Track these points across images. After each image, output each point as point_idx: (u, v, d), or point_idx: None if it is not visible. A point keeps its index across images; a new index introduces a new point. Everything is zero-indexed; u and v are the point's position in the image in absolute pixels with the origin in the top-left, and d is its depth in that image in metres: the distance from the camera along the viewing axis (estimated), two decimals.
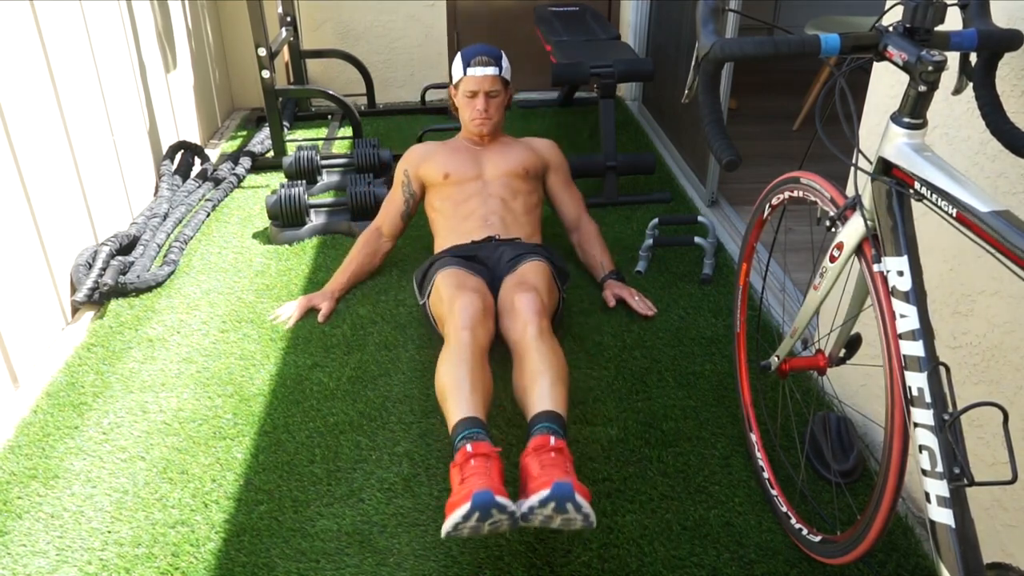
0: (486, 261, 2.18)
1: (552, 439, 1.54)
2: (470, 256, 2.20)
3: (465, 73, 2.32)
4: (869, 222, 1.26)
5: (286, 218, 2.78)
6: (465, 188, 2.35)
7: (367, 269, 2.51)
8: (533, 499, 1.41)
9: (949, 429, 1.04)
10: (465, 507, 1.37)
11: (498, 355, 2.15)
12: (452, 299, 1.93)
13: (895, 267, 1.16)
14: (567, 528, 1.45)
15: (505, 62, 2.36)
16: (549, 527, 1.44)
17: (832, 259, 1.36)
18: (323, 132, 3.86)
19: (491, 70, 2.31)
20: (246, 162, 3.32)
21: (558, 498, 1.39)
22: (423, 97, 4.16)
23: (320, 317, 2.32)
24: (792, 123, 3.90)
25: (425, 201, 2.47)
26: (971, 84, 1.26)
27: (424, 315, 2.28)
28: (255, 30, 3.04)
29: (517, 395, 1.77)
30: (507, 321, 1.95)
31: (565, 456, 1.52)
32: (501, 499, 1.39)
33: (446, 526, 1.40)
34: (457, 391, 1.68)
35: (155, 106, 3.12)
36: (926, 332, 1.11)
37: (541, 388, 1.69)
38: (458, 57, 2.36)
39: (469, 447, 1.51)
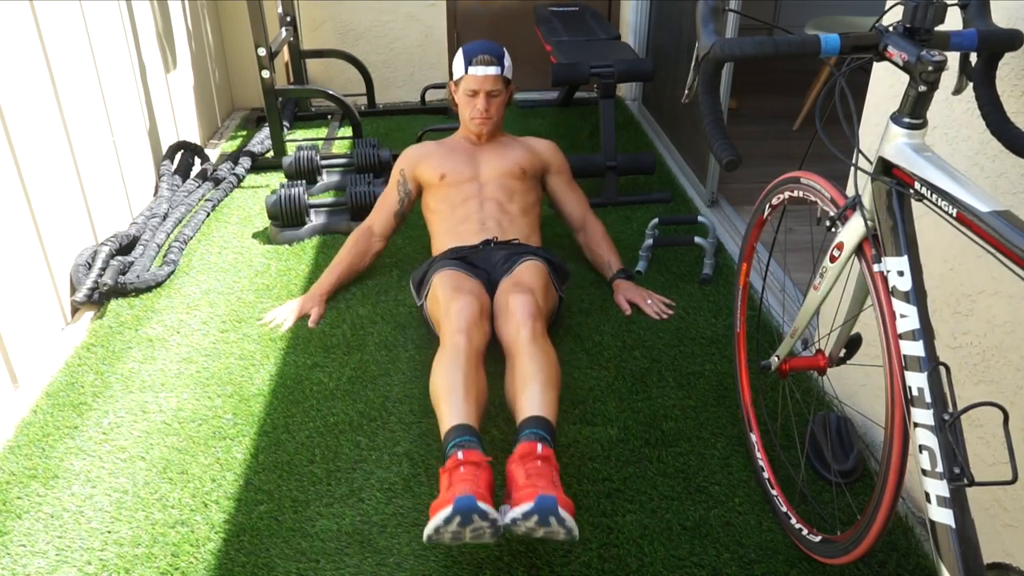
0: (483, 264, 2.19)
1: (539, 447, 1.54)
2: (468, 258, 2.20)
3: (466, 71, 2.29)
4: (869, 222, 1.26)
5: (286, 218, 2.78)
6: (461, 190, 2.34)
7: (356, 269, 2.48)
8: (516, 511, 1.41)
9: (949, 429, 1.04)
10: (447, 511, 1.38)
11: (496, 355, 2.15)
12: (448, 301, 1.93)
13: (895, 267, 1.16)
14: (550, 539, 1.46)
15: (507, 60, 2.34)
16: (532, 537, 1.45)
17: (832, 259, 1.36)
18: (323, 132, 3.86)
19: (493, 70, 2.28)
20: (246, 162, 3.32)
21: (541, 511, 1.39)
22: (423, 97, 4.16)
23: (310, 323, 2.31)
24: (792, 123, 3.90)
25: (422, 202, 2.46)
26: (971, 84, 1.26)
27: (422, 317, 2.28)
28: (255, 30, 3.04)
29: (508, 398, 1.77)
30: (501, 322, 1.95)
31: (551, 465, 1.52)
32: (484, 505, 1.39)
33: (428, 529, 1.40)
34: (451, 396, 1.68)
35: (155, 106, 3.12)
36: (926, 332, 1.11)
37: (531, 393, 1.69)
38: (459, 54, 2.33)
39: (460, 455, 1.52)
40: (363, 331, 2.28)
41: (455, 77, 2.35)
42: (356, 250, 2.45)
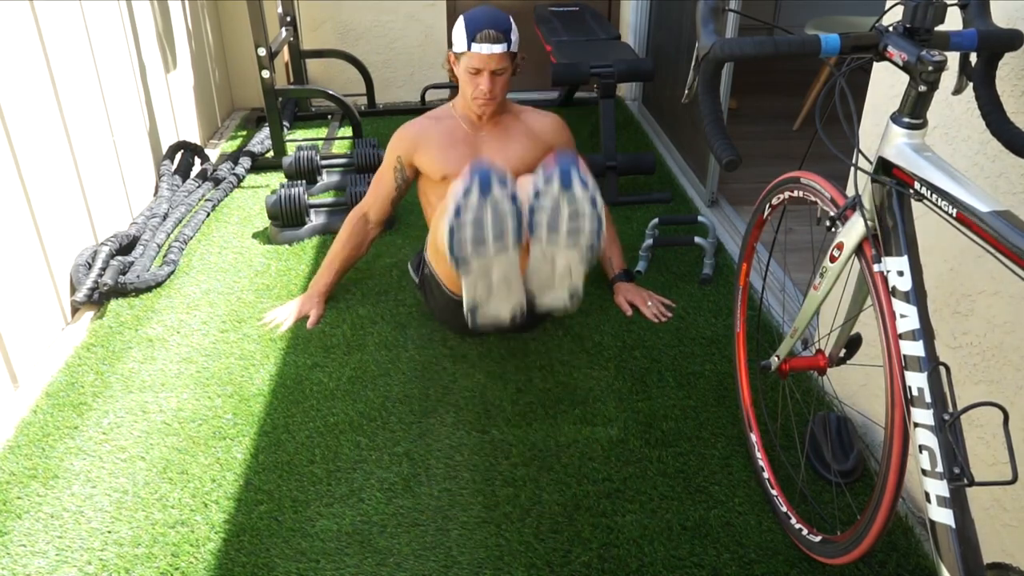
0: None
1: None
2: None
3: (469, 48, 2.05)
4: (869, 222, 1.26)
5: (286, 218, 2.78)
6: None
7: (354, 261, 2.40)
8: (538, 178, 1.38)
9: (949, 429, 1.04)
10: (464, 179, 1.34)
11: (498, 355, 2.15)
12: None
13: (895, 267, 1.16)
14: (576, 229, 1.41)
15: (515, 33, 2.08)
16: (558, 231, 1.37)
17: (832, 259, 1.36)
18: (323, 132, 3.86)
19: (499, 48, 2.04)
20: (246, 162, 3.32)
21: (563, 171, 1.36)
22: (423, 97, 4.16)
23: (309, 324, 2.29)
24: (792, 123, 3.90)
25: (418, 187, 2.35)
26: (971, 84, 1.26)
27: (421, 290, 2.24)
28: (255, 30, 3.04)
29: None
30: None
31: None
32: (501, 174, 1.36)
33: (448, 213, 1.36)
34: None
35: (155, 106, 3.12)
36: (926, 332, 1.11)
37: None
38: (461, 24, 2.07)
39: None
40: (363, 331, 2.28)
41: (455, 49, 2.11)
42: (353, 242, 2.35)
